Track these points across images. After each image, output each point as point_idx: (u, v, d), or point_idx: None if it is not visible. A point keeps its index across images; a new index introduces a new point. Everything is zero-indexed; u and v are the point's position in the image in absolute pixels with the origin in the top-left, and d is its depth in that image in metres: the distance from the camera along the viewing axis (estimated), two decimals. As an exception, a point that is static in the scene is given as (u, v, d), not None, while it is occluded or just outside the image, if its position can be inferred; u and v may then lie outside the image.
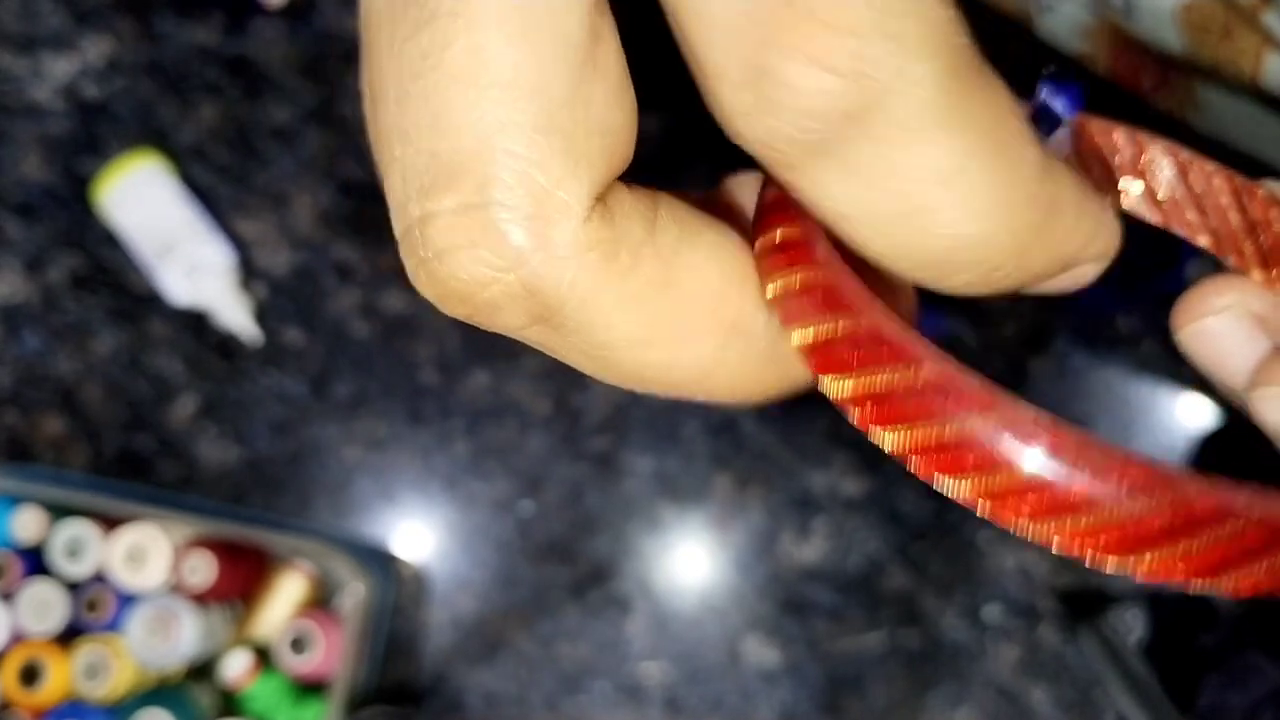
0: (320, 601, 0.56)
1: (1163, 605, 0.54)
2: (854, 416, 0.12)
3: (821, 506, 0.59)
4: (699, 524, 0.59)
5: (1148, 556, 0.11)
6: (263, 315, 0.60)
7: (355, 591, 0.52)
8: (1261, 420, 0.16)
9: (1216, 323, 0.17)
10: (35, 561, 0.51)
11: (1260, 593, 0.11)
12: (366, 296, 0.60)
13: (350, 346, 0.60)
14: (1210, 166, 0.17)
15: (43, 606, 0.50)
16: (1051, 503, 0.11)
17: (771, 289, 0.13)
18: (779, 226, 0.13)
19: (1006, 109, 0.12)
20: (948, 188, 0.12)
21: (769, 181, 0.13)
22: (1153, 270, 0.58)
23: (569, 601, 0.58)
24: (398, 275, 0.59)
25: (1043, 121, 0.18)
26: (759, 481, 0.59)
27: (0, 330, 0.60)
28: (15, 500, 0.52)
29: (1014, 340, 0.59)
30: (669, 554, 0.59)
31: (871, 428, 0.12)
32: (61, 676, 0.49)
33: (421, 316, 0.59)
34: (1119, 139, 0.18)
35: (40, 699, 0.49)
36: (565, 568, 0.59)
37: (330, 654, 0.51)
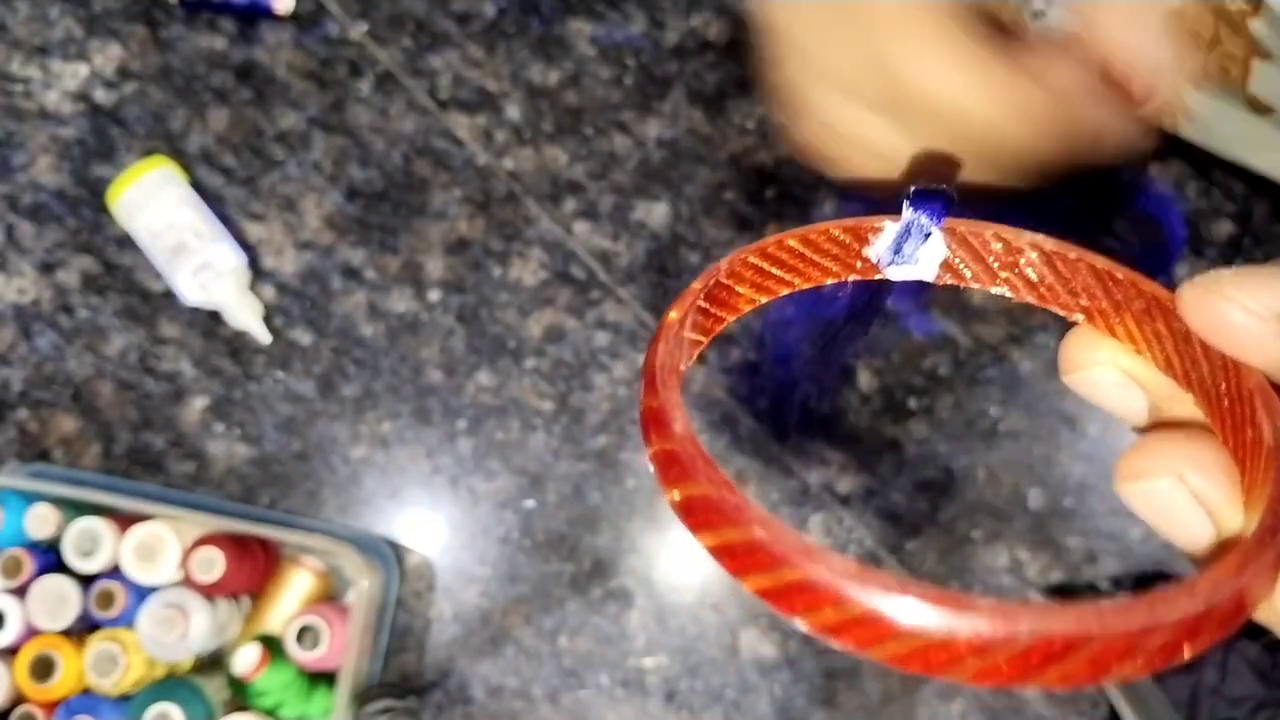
0: (328, 595, 0.56)
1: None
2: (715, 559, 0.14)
3: (818, 503, 0.60)
4: (698, 521, 0.59)
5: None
6: (271, 316, 0.60)
7: (362, 586, 0.53)
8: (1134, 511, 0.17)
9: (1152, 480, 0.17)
10: (49, 558, 0.52)
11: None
12: (373, 298, 0.61)
13: (357, 347, 0.60)
14: (1074, 254, 0.18)
15: (56, 602, 0.50)
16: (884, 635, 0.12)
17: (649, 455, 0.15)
18: (648, 399, 0.15)
19: None
20: None
21: (651, 353, 0.16)
22: (1142, 269, 0.59)
23: (570, 596, 0.59)
24: (403, 278, 0.60)
25: (914, 234, 0.19)
26: (757, 479, 0.60)
27: (13, 331, 0.61)
28: (29, 498, 0.52)
29: (1003, 339, 0.60)
30: (668, 550, 0.60)
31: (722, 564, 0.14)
32: (74, 670, 0.50)
33: (426, 318, 0.60)
34: (989, 237, 0.19)
35: (53, 692, 0.50)
36: (567, 563, 0.59)
37: (338, 646, 0.52)
